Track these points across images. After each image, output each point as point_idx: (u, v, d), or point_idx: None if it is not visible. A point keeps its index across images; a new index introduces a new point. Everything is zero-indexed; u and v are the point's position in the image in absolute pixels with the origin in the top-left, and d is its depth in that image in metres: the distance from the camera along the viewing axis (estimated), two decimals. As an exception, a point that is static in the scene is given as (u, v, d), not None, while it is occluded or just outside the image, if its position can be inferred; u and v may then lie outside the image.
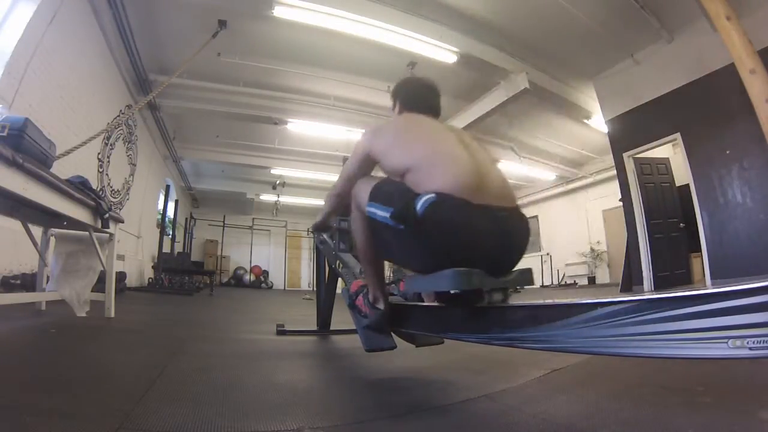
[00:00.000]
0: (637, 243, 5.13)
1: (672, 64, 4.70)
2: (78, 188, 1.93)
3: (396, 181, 1.13)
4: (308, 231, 12.51)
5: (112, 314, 2.36)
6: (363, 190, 1.16)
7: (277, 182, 10.00)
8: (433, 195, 0.95)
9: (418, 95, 1.40)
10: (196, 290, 6.87)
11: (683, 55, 4.59)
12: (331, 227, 1.78)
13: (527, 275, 1.04)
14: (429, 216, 0.93)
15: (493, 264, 0.96)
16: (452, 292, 0.93)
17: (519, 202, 1.13)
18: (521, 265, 1.07)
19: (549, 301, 0.82)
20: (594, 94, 5.86)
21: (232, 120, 6.81)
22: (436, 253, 0.97)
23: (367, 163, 1.27)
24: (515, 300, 0.95)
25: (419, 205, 0.95)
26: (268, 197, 11.33)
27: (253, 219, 12.99)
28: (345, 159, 2.33)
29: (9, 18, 2.93)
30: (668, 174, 5.61)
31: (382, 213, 1.05)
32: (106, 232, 2.35)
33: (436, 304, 1.21)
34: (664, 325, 0.61)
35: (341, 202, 1.40)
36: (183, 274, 7.58)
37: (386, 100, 6.11)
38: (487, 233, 0.97)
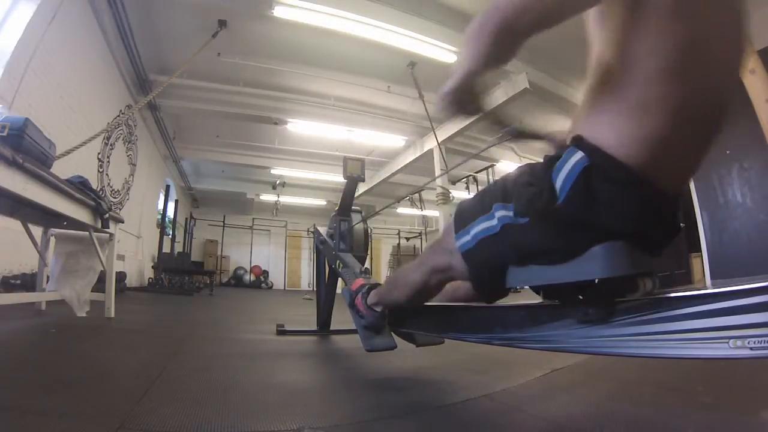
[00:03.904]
0: (637, 243, 5.12)
1: (672, 64, 4.70)
2: (78, 188, 1.93)
3: (480, 192, 0.85)
4: (308, 231, 12.52)
5: (112, 314, 2.36)
6: (442, 240, 0.92)
7: (277, 182, 10.01)
8: (582, 156, 0.62)
9: None
10: (196, 290, 6.86)
11: (683, 55, 4.58)
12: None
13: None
14: (575, 195, 0.63)
15: (643, 244, 0.67)
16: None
17: None
18: None
19: (549, 301, 0.81)
20: (594, 94, 5.84)
21: (232, 120, 6.81)
22: (572, 243, 0.66)
23: None
24: (515, 300, 0.95)
25: (563, 176, 0.64)
26: (268, 197, 11.32)
27: (253, 219, 12.99)
28: (345, 158, 2.34)
29: (9, 18, 2.93)
30: (668, 174, 5.61)
31: (482, 226, 0.78)
32: (106, 232, 2.35)
33: (437, 304, 1.20)
34: (664, 325, 0.61)
35: None
36: (183, 274, 7.57)
37: (386, 100, 6.07)
38: (652, 224, 0.66)
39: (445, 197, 6.87)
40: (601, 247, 0.64)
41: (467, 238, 0.81)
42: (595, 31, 0.70)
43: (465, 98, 0.72)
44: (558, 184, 0.65)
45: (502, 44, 0.64)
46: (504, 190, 0.76)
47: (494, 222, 0.75)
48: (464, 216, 0.84)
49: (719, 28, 0.59)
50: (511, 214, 0.73)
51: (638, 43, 0.59)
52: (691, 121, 0.60)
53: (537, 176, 0.69)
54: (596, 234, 0.64)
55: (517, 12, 0.60)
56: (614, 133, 0.61)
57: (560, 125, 0.81)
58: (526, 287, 0.79)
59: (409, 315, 1.28)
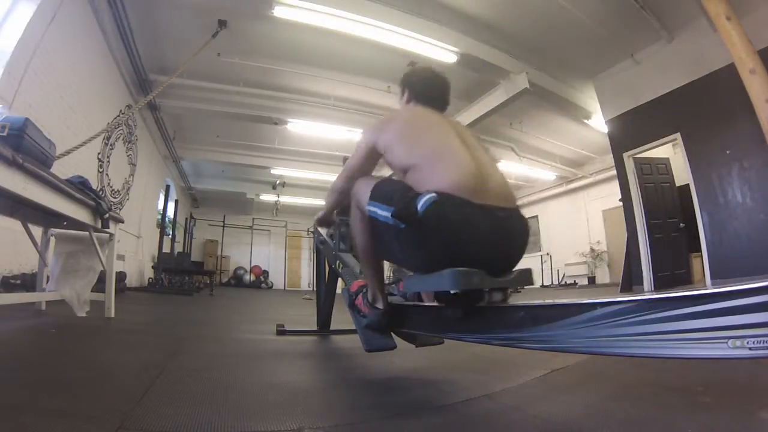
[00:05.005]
0: (637, 243, 5.12)
1: (672, 64, 4.70)
2: (78, 188, 1.93)
3: (396, 180, 1.14)
4: (308, 231, 12.52)
5: (112, 314, 2.36)
6: (363, 190, 1.16)
7: (277, 182, 10.01)
8: (433, 194, 0.95)
9: (429, 87, 1.37)
10: (196, 290, 6.86)
11: (683, 55, 4.58)
12: (334, 222, 1.74)
13: (527, 275, 1.05)
14: (429, 215, 0.94)
15: (493, 264, 0.96)
16: (452, 292, 0.92)
17: (519, 202, 1.14)
18: (521, 265, 1.07)
19: (549, 301, 0.82)
20: (594, 94, 5.85)
21: (232, 120, 6.81)
22: (436, 253, 0.97)
23: (371, 157, 1.26)
24: (515, 300, 0.95)
25: (420, 204, 0.95)
26: (268, 197, 11.33)
27: (253, 219, 12.99)
28: (345, 159, 2.34)
29: (9, 18, 2.93)
30: (668, 174, 5.61)
31: (383, 212, 1.05)
32: (106, 232, 2.35)
33: (436, 304, 1.21)
34: (664, 325, 0.61)
35: (343, 199, 1.38)
36: (183, 274, 7.58)
37: (386, 100, 6.08)
38: (487, 233, 0.97)
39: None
40: (451, 270, 0.90)
41: (373, 209, 1.10)
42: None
43: (327, 223, 1.77)
44: (419, 207, 0.95)
45: (340, 198, 1.41)
46: (396, 202, 1.05)
47: (389, 215, 1.03)
48: (378, 194, 1.11)
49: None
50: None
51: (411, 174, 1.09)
52: (463, 176, 1.02)
53: (410, 201, 0.99)
54: (449, 247, 0.95)
55: (345, 184, 1.32)
56: (436, 186, 0.98)
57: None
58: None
59: (409, 315, 1.28)
